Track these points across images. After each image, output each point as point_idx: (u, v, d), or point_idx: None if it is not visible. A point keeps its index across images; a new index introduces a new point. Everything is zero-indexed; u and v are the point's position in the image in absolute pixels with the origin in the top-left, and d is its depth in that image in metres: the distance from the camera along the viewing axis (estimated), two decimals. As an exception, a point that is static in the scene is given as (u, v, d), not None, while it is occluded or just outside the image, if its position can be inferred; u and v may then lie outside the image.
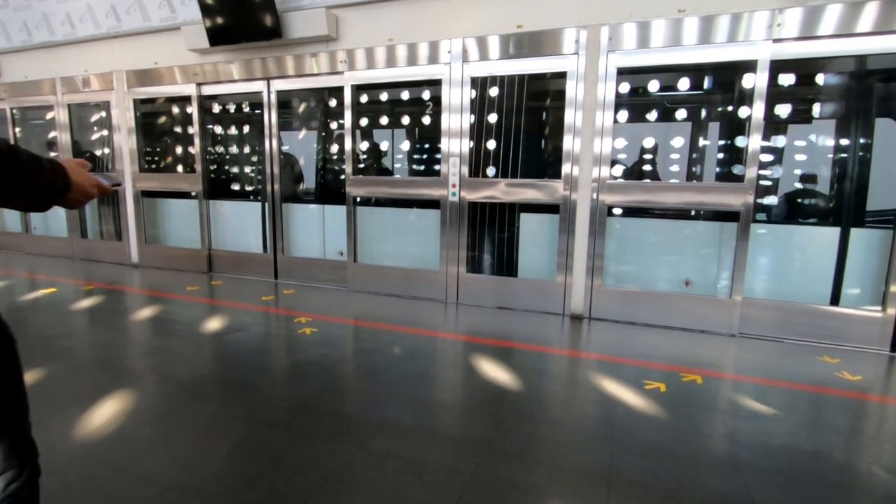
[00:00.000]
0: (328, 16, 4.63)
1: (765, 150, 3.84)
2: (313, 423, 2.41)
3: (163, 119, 6.20)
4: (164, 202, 6.21)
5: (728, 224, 3.87)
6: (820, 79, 3.90)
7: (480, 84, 4.46)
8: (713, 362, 3.34)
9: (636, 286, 4.20)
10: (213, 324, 3.92)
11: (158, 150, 6.32)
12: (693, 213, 4.05)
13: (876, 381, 3.10)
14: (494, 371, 3.06)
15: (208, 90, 5.59)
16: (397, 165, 5.65)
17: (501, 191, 4.41)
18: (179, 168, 6.07)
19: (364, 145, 5.25)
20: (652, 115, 4.32)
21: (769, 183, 4.09)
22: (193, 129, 5.67)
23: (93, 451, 2.14)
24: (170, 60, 5.62)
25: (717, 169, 4.23)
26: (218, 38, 4.98)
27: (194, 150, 5.71)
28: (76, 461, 2.05)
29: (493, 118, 4.49)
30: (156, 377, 2.95)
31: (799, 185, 4.13)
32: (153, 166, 6.28)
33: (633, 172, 4.54)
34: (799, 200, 4.14)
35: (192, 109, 5.64)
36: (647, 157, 4.46)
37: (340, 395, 2.75)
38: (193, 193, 5.83)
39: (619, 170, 4.18)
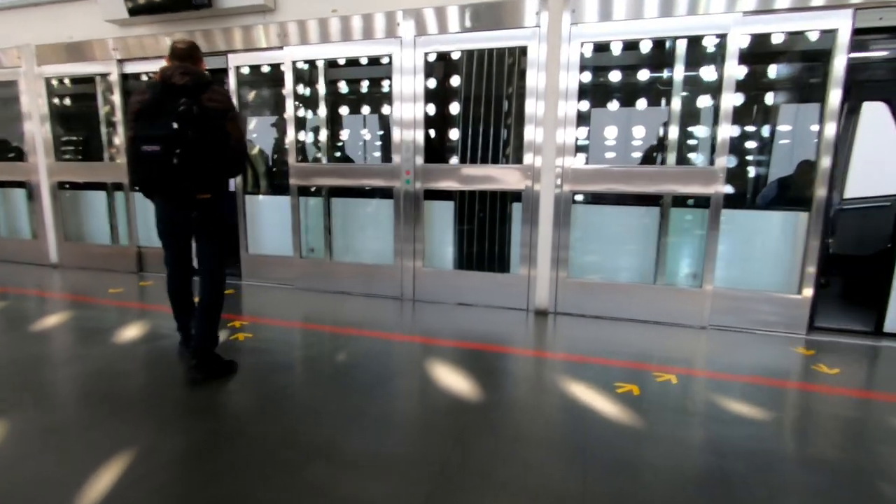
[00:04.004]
0: (264, -17, 4.15)
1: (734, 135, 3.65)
2: (237, 449, 2.01)
3: (81, 101, 5.51)
4: (86, 195, 5.54)
5: (699, 211, 3.67)
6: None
7: (435, 60, 4.09)
8: (686, 358, 3.13)
9: (603, 278, 3.96)
10: (132, 332, 3.41)
11: (76, 136, 5.63)
12: (662, 200, 3.83)
13: (855, 374, 2.95)
14: (453, 378, 2.72)
15: (132, 68, 4.97)
16: (346, 152, 5.22)
17: (459, 178, 4.07)
18: (102, 157, 5.41)
19: (309, 130, 4.79)
20: (617, 97, 4.07)
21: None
22: (116, 113, 5.05)
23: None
24: (87, 33, 4.97)
25: (686, 154, 4.02)
26: (137, 7, 4.40)
27: (117, 137, 5.10)
28: None
29: (449, 99, 4.14)
30: (56, 398, 2.47)
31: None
32: (71, 155, 5.60)
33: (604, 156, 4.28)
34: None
35: (114, 90, 5.01)
36: (611, 142, 4.21)
37: (272, 413, 2.34)
38: (115, 185, 5.22)
39: (584, 157, 3.92)
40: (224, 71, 4.61)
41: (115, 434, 2.11)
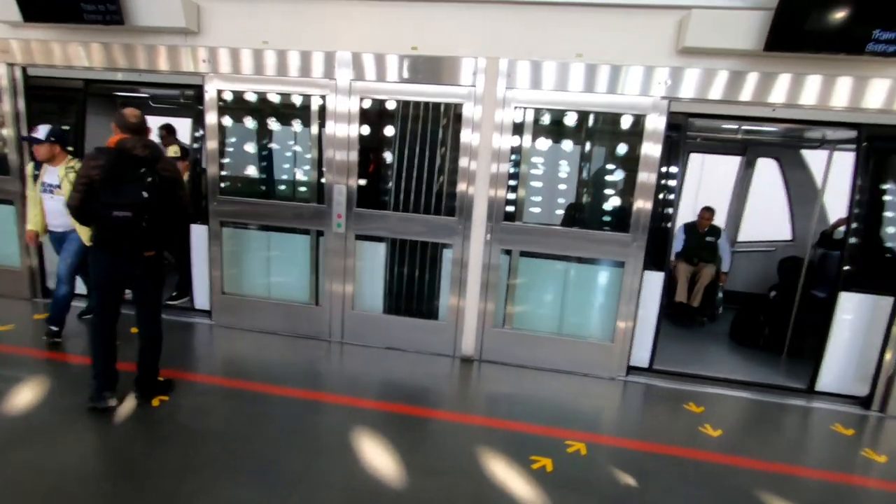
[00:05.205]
0: (185, 3, 3.83)
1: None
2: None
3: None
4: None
5: (615, 269, 3.96)
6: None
7: (370, 107, 4.02)
8: (594, 420, 3.42)
9: (525, 328, 4.15)
10: (24, 396, 3.10)
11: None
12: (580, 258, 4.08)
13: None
14: (369, 454, 2.75)
15: (30, 73, 4.44)
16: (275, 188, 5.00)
17: (391, 225, 4.08)
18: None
19: (229, 158, 4.55)
20: (549, 158, 4.23)
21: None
22: (3, 120, 4.49)
23: None
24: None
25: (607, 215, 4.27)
26: (33, 11, 3.91)
27: (6, 146, 4.54)
28: None
29: (382, 147, 4.11)
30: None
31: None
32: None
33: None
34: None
35: (3, 95, 4.44)
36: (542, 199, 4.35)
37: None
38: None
39: (512, 213, 4.07)
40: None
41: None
